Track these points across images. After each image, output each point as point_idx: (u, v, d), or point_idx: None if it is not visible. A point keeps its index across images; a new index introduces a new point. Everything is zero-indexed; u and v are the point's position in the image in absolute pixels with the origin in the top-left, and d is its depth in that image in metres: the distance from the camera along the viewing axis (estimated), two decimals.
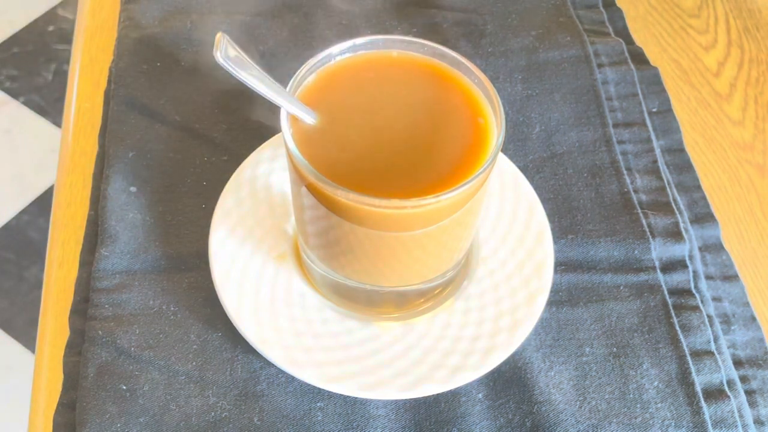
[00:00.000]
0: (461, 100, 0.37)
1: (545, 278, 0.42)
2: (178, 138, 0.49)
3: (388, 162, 0.35)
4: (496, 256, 0.43)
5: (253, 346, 0.39)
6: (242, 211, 0.43)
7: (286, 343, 0.39)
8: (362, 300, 0.41)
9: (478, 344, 0.40)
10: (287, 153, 0.35)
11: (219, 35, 0.32)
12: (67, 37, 1.43)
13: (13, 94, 1.35)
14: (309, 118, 0.35)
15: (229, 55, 0.32)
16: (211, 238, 0.42)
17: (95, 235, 0.45)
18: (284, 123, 0.35)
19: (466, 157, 0.35)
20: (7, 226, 1.20)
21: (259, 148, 0.46)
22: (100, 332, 0.41)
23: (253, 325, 0.40)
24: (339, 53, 0.37)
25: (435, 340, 0.40)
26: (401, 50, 0.38)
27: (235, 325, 0.40)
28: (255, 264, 0.42)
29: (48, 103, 1.34)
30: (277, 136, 0.47)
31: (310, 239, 0.40)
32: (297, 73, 0.36)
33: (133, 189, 0.46)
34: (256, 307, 0.41)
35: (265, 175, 0.45)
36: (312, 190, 0.34)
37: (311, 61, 0.37)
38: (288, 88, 0.35)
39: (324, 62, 0.37)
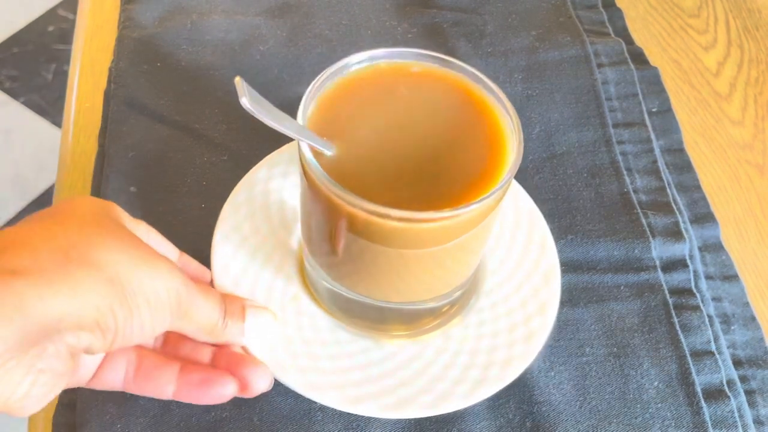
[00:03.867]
0: (479, 117, 0.36)
1: (554, 286, 0.41)
2: (178, 138, 0.49)
3: (404, 179, 0.34)
4: (503, 268, 0.43)
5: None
6: (242, 235, 0.42)
7: (303, 367, 0.38)
8: (373, 318, 0.40)
9: (496, 356, 0.39)
10: (303, 171, 0.34)
11: (237, 80, 0.30)
12: (67, 37, 1.43)
13: (13, 94, 1.35)
14: (327, 152, 0.34)
15: (253, 99, 0.31)
16: (213, 264, 0.41)
17: None
18: (305, 148, 0.34)
19: (483, 174, 0.34)
20: (7, 226, 1.20)
21: (252, 170, 0.44)
22: None
23: (267, 350, 0.39)
24: (355, 63, 0.37)
25: (453, 354, 0.40)
26: (418, 62, 0.37)
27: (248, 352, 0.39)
28: (261, 288, 0.41)
29: (48, 103, 1.34)
30: (269, 157, 0.45)
31: (321, 258, 0.39)
32: (313, 82, 0.35)
33: (133, 189, 0.46)
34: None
35: (263, 195, 0.44)
36: (327, 203, 0.33)
37: (327, 71, 0.36)
38: (304, 98, 0.34)
39: (339, 73, 0.36)
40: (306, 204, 0.37)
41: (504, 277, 0.42)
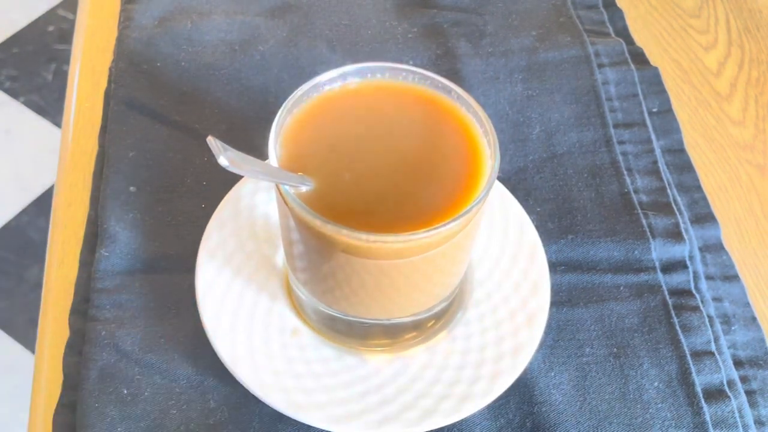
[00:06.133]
0: (454, 132, 0.36)
1: (543, 296, 0.41)
2: (178, 138, 0.49)
3: (383, 200, 0.34)
4: (491, 278, 0.42)
5: (252, 392, 0.38)
6: (227, 252, 0.42)
7: (286, 386, 0.38)
8: (357, 333, 0.40)
9: (482, 370, 0.39)
10: (281, 199, 0.34)
11: (210, 139, 0.29)
12: (67, 37, 1.42)
13: (13, 94, 1.34)
14: (305, 187, 0.33)
15: (229, 156, 0.30)
16: (197, 282, 0.41)
17: (95, 235, 0.45)
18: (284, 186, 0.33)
19: (461, 190, 0.34)
20: (7, 226, 1.20)
21: (238, 183, 0.44)
22: (102, 333, 0.41)
23: (250, 370, 0.38)
24: (327, 82, 0.36)
25: (438, 370, 0.39)
26: (390, 78, 0.37)
27: (231, 371, 0.39)
28: (246, 304, 0.41)
29: (48, 103, 1.34)
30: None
31: (301, 274, 0.39)
32: (284, 104, 0.35)
33: (132, 189, 0.46)
34: (252, 350, 0.39)
35: (249, 210, 0.43)
36: (305, 226, 0.33)
37: (298, 92, 0.35)
38: (276, 119, 0.34)
39: (312, 92, 0.36)
40: (285, 227, 0.37)
41: (492, 287, 0.42)
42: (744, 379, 0.42)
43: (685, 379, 0.41)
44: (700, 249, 0.47)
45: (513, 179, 0.48)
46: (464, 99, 0.36)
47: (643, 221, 0.46)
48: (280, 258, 0.43)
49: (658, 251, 0.45)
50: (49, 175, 1.24)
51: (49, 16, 1.46)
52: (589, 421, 0.39)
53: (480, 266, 0.43)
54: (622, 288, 0.44)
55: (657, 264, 0.44)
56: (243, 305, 0.41)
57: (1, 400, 1.04)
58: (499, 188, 0.45)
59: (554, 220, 0.46)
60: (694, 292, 0.44)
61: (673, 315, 0.43)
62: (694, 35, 0.59)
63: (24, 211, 1.21)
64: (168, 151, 0.48)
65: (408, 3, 0.57)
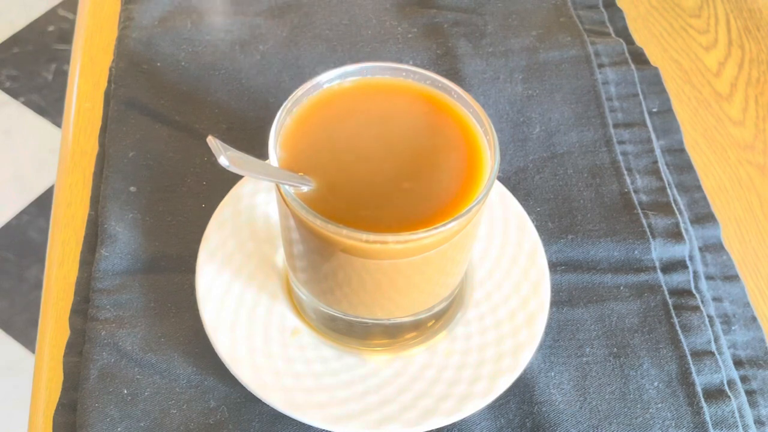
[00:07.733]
0: (454, 131, 0.36)
1: (543, 296, 0.41)
2: (178, 138, 0.49)
3: (383, 200, 0.34)
4: (491, 279, 0.42)
5: (252, 392, 0.38)
6: (227, 253, 0.42)
7: (286, 386, 0.38)
8: (357, 333, 0.40)
9: (482, 370, 0.39)
10: (281, 199, 0.34)
11: (210, 139, 0.29)
12: (67, 37, 1.42)
13: (13, 94, 1.34)
14: (306, 187, 0.34)
15: (230, 156, 0.30)
16: (197, 283, 0.41)
17: (95, 235, 0.45)
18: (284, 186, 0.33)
19: (460, 190, 0.34)
20: (7, 226, 1.19)
21: (238, 184, 0.44)
22: (102, 333, 0.41)
23: (250, 370, 0.38)
24: (327, 81, 0.36)
25: (438, 370, 0.39)
26: (391, 77, 0.37)
27: (231, 371, 0.38)
28: (246, 304, 0.41)
29: (48, 103, 1.34)
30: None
31: (301, 275, 0.39)
32: (284, 104, 0.35)
33: (133, 189, 0.46)
34: (252, 350, 0.39)
35: (249, 210, 0.43)
36: (305, 226, 0.33)
37: (298, 92, 0.35)
38: (276, 119, 0.34)
39: (312, 92, 0.36)
40: (285, 227, 0.37)
41: (492, 287, 0.42)
42: (744, 379, 0.42)
43: (685, 379, 0.40)
44: (701, 249, 0.47)
45: (513, 179, 0.48)
46: (464, 99, 0.36)
47: (643, 221, 0.46)
48: (280, 258, 0.43)
49: (658, 251, 0.45)
50: (49, 175, 1.24)
51: (49, 16, 1.46)
52: (589, 421, 0.39)
53: (480, 266, 0.43)
54: (622, 288, 0.44)
55: (657, 264, 0.44)
56: (243, 305, 0.41)
57: (1, 400, 1.04)
58: (499, 188, 0.45)
59: (554, 220, 0.46)
60: (694, 292, 0.44)
61: (673, 315, 0.43)
62: (694, 35, 0.59)
63: (24, 211, 1.21)
64: (168, 151, 0.48)
65: (408, 3, 0.57)
